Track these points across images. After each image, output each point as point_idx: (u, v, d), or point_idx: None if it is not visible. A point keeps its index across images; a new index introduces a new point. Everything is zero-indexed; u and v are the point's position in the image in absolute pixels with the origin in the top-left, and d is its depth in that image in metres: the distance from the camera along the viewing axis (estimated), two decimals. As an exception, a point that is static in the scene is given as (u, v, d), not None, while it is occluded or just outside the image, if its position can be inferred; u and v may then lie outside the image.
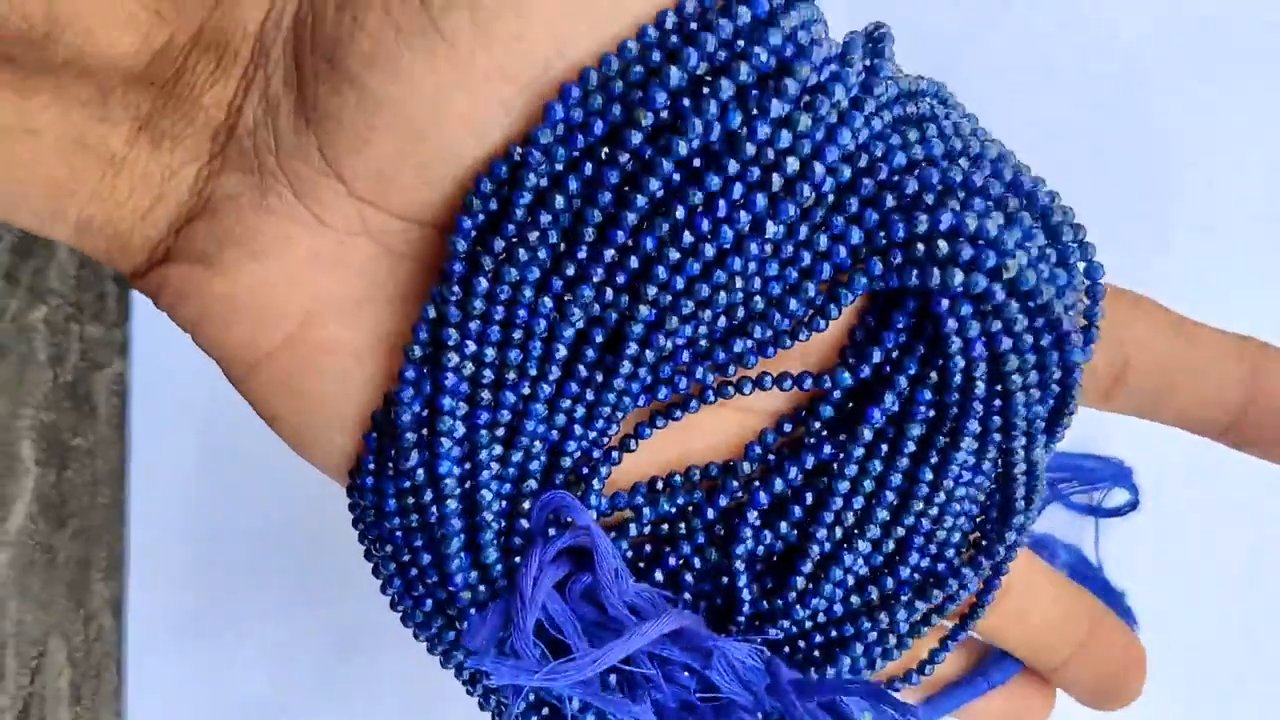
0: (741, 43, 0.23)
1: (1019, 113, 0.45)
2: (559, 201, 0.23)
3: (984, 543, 0.27)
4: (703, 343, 0.25)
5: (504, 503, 0.25)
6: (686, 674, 0.25)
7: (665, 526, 0.26)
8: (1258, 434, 0.27)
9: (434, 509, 0.25)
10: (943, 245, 0.23)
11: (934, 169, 0.24)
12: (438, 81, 0.22)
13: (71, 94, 0.24)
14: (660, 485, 0.26)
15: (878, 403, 0.25)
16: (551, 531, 0.24)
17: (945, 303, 0.24)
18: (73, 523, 0.48)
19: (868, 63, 0.24)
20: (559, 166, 0.23)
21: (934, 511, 0.26)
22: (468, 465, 0.25)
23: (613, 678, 0.25)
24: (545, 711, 0.27)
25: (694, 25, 0.23)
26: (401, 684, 0.46)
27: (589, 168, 0.23)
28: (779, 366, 0.26)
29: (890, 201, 0.23)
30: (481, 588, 0.25)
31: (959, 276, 0.23)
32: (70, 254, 0.48)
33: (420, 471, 0.25)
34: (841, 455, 0.26)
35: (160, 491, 0.50)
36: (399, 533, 0.26)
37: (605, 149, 0.23)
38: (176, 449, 0.51)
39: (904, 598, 0.27)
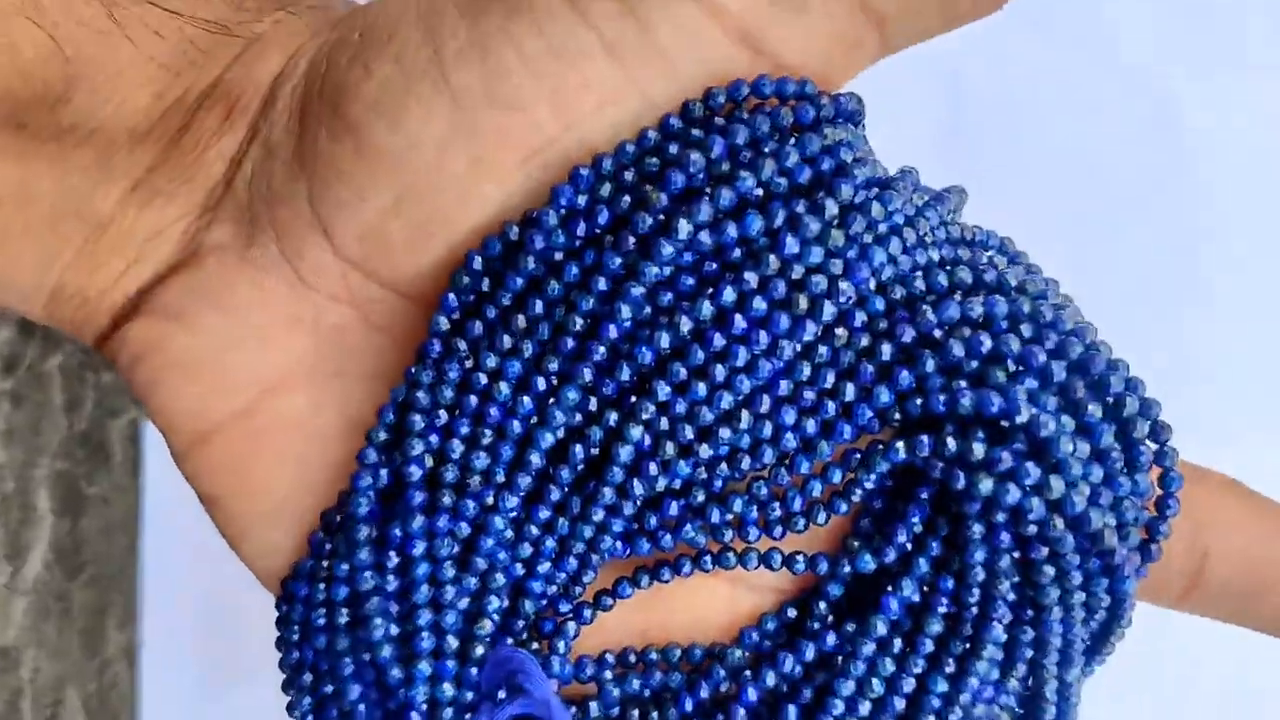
0: (774, 144, 0.21)
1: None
2: (554, 289, 0.21)
3: None
4: (699, 496, 0.22)
5: (461, 638, 0.22)
6: None
7: (635, 713, 0.23)
8: None
9: (389, 619, 0.22)
10: (978, 450, 0.20)
11: (983, 334, 0.21)
12: (440, 137, 0.21)
13: (72, 159, 0.22)
14: (633, 659, 0.23)
15: (897, 590, 0.22)
16: (502, 694, 0.21)
17: (976, 506, 0.21)
18: (88, 570, 0.48)
19: (919, 200, 0.22)
20: (558, 254, 0.21)
21: None
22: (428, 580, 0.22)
23: None
24: None
25: (721, 120, 0.21)
26: None
27: (590, 257, 0.21)
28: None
29: (930, 365, 0.21)
30: None
31: (988, 485, 0.20)
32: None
33: (367, 575, 0.22)
34: (849, 649, 0.22)
35: (174, 539, 0.50)
36: (325, 655, 0.23)
37: (610, 237, 0.21)
38: (190, 496, 0.50)
39: None
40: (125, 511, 0.49)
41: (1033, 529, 0.21)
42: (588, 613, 0.23)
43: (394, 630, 0.22)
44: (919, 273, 0.21)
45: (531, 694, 0.21)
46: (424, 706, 0.21)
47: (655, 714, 0.23)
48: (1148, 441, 0.22)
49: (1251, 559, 0.23)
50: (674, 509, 0.22)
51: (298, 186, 0.22)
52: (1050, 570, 0.21)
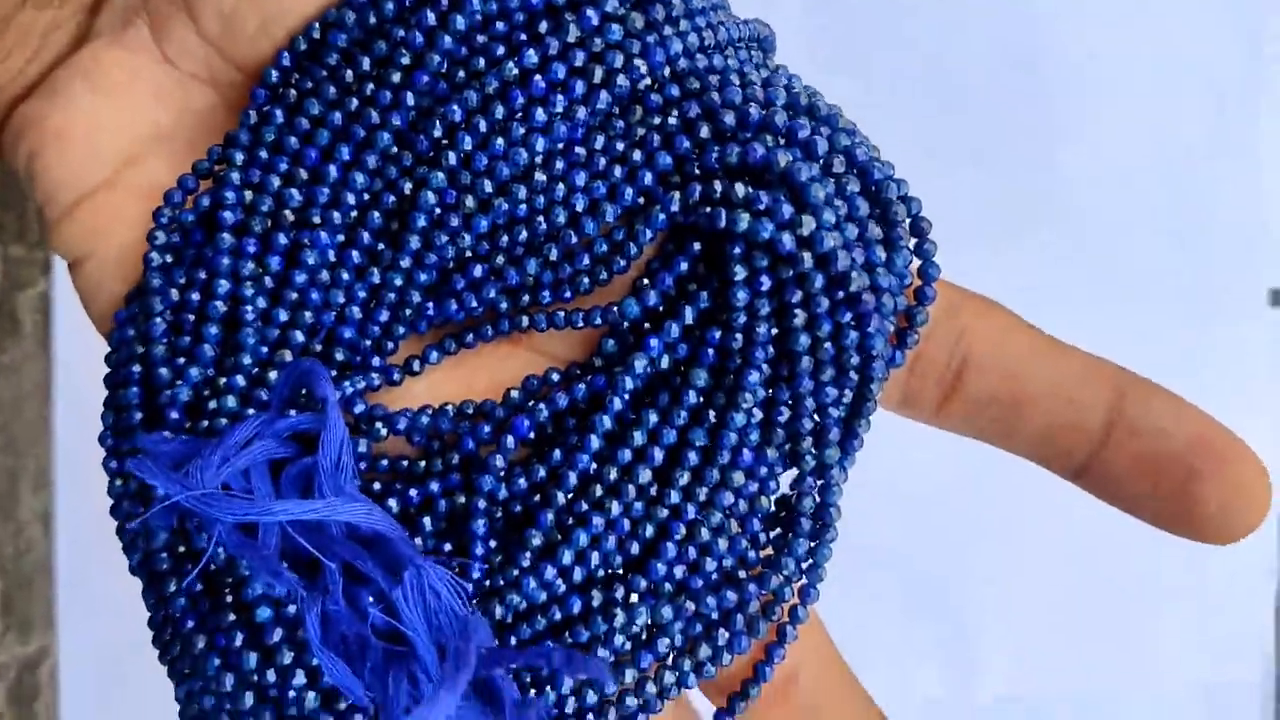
0: None
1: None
2: (379, 48, 0.23)
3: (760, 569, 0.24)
4: (499, 259, 0.23)
5: (257, 360, 0.23)
6: (373, 602, 0.20)
7: (422, 463, 0.24)
8: (1114, 472, 0.23)
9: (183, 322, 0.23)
10: (739, 190, 0.22)
11: (754, 104, 0.23)
12: None
13: None
14: (430, 410, 0.24)
15: (661, 332, 0.23)
16: (292, 412, 0.22)
17: (738, 248, 0.22)
18: (1, 437, 0.49)
19: (725, 17, 0.24)
20: (388, 15, 0.23)
21: (703, 493, 0.23)
22: (230, 300, 0.23)
23: (288, 564, 0.21)
24: (181, 548, 0.23)
25: None
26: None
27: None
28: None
29: (705, 131, 0.23)
30: (189, 423, 0.22)
31: (745, 221, 0.22)
32: (-7, 179, 0.50)
33: (155, 273, 0.23)
34: (610, 386, 0.23)
35: (85, 405, 0.50)
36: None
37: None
38: (100, 363, 0.50)
39: (647, 606, 0.23)
40: (36, 380, 0.49)
41: (786, 270, 0.22)
42: (397, 374, 0.24)
43: (179, 341, 0.23)
44: (716, 75, 0.23)
45: (315, 401, 0.21)
46: (183, 406, 0.22)
47: (439, 462, 0.24)
48: (908, 232, 0.23)
49: (1011, 372, 0.24)
50: (478, 271, 0.23)
51: None
52: (801, 315, 0.22)
